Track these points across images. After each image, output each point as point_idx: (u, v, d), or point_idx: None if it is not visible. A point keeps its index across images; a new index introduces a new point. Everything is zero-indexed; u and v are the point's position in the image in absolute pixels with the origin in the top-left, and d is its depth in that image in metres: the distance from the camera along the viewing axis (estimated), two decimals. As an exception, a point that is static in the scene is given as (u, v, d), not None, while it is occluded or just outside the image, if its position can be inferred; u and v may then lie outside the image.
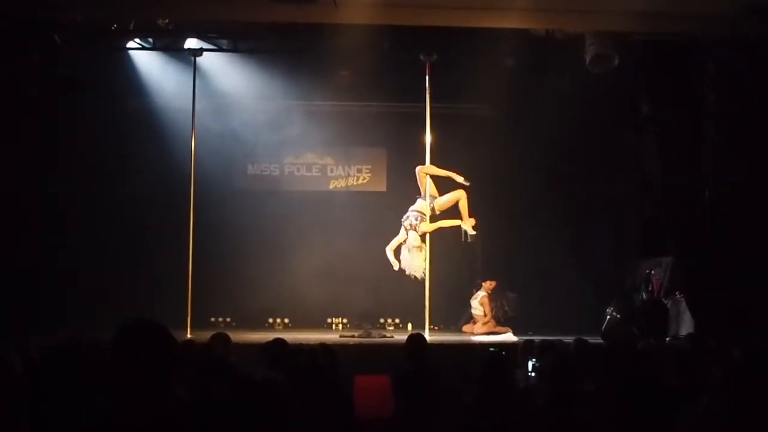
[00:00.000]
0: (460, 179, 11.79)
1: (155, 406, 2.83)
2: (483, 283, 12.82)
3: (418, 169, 11.91)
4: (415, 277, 11.68)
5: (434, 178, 11.95)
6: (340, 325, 13.88)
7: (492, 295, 12.71)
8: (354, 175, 14.92)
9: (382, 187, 14.87)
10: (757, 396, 3.47)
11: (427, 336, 11.00)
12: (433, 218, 11.87)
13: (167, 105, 13.63)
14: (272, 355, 6.07)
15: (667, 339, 10.70)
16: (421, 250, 11.71)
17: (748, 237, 10.86)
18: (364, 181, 14.93)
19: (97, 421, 2.87)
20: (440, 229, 11.90)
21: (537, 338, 8.36)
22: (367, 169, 14.95)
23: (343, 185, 14.90)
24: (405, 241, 11.78)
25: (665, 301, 11.46)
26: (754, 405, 3.47)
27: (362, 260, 13.88)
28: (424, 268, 11.64)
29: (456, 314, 13.51)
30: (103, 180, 13.30)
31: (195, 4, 10.68)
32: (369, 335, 11.77)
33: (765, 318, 9.82)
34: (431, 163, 11.90)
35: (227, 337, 6.50)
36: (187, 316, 11.48)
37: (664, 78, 11.85)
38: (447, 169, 11.89)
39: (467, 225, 11.82)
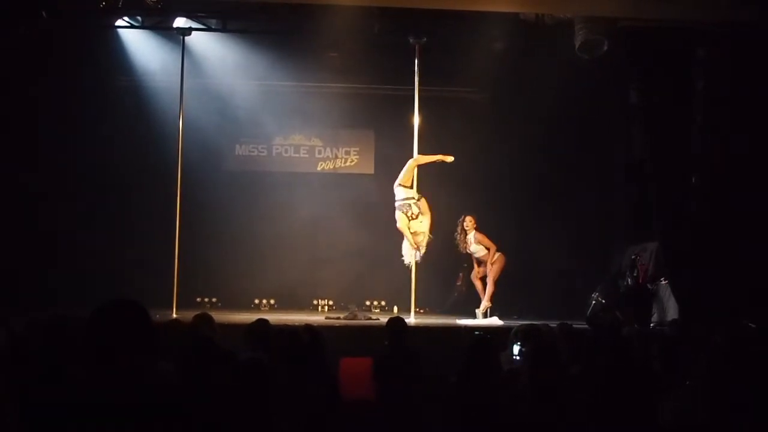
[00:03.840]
0: (449, 159, 11.56)
1: (138, 381, 2.83)
2: (463, 223, 12.17)
3: (410, 161, 11.45)
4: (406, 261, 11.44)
5: (423, 167, 11.69)
6: (326, 307, 13.86)
7: (477, 227, 12.25)
8: (342, 157, 14.90)
9: (370, 169, 14.85)
10: (738, 380, 3.49)
11: (413, 319, 11.04)
12: None
13: (155, 84, 13.58)
14: (256, 336, 6.07)
15: (652, 325, 10.75)
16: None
17: (734, 223, 10.89)
18: (352, 164, 14.92)
19: (81, 396, 2.88)
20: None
21: (522, 322, 8.38)
22: (355, 151, 14.93)
23: (331, 167, 14.88)
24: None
25: (650, 287, 11.50)
26: (735, 389, 3.50)
27: (349, 242, 13.88)
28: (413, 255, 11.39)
29: (442, 297, 13.57)
30: (90, 158, 13.21)
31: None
32: (355, 317, 11.77)
33: (749, 304, 9.85)
34: (419, 146, 11.67)
35: (210, 318, 6.48)
36: (173, 296, 11.48)
37: (654, 63, 11.84)
38: (433, 154, 11.69)
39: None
